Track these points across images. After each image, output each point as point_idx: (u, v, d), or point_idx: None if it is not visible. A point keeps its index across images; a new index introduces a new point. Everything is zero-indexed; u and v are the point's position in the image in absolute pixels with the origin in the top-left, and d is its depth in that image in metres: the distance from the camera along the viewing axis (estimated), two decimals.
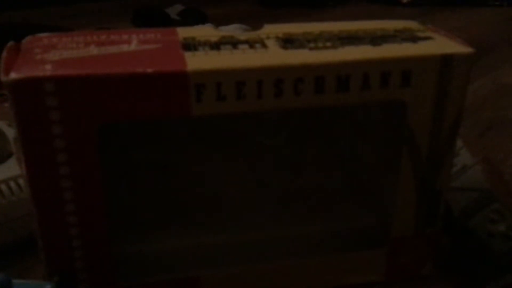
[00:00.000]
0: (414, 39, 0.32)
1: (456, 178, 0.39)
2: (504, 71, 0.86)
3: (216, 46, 0.30)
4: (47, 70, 0.26)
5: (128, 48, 0.29)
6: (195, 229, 0.38)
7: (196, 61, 0.28)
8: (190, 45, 0.30)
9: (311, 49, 0.30)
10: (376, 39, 0.32)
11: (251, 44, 0.31)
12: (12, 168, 0.40)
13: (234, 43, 0.31)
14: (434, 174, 0.34)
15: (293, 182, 0.41)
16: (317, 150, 0.41)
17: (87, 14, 1.34)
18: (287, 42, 0.31)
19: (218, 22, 1.07)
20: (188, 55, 0.29)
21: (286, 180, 0.41)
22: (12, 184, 0.39)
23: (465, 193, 0.38)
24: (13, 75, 0.26)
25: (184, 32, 0.32)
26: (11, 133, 0.43)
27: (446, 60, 0.30)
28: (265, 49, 0.30)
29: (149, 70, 0.27)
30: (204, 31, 0.32)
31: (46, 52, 0.28)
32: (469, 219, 0.37)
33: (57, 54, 0.28)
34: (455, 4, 1.43)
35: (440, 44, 0.31)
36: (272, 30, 0.33)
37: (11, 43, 0.29)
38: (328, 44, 0.31)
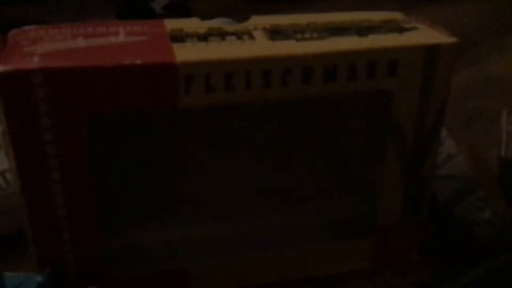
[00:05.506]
0: (399, 29, 0.33)
1: (441, 167, 0.40)
2: (490, 62, 0.87)
3: (204, 37, 0.30)
4: (35, 62, 0.26)
5: (116, 40, 0.29)
6: (183, 221, 0.38)
7: (184, 53, 0.28)
8: (178, 37, 0.30)
9: (298, 40, 0.30)
10: (362, 30, 0.32)
11: (238, 35, 0.31)
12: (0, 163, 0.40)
13: (222, 35, 0.31)
14: (420, 163, 0.34)
15: (280, 173, 0.41)
16: (304, 141, 0.41)
17: (70, 8, 1.32)
18: (275, 33, 0.31)
19: (203, 16, 1.07)
20: (176, 46, 0.29)
21: (273, 171, 0.41)
22: None
23: (450, 181, 0.39)
24: (1, 68, 0.26)
25: (171, 24, 0.32)
26: None
27: (431, 50, 0.31)
28: (252, 40, 0.30)
29: (137, 61, 0.27)
30: (192, 23, 0.32)
31: (34, 45, 0.28)
32: (454, 207, 0.38)
33: (44, 46, 0.28)
34: None
35: (425, 35, 0.32)
36: (259, 21, 0.33)
37: None
38: (315, 35, 0.31)
